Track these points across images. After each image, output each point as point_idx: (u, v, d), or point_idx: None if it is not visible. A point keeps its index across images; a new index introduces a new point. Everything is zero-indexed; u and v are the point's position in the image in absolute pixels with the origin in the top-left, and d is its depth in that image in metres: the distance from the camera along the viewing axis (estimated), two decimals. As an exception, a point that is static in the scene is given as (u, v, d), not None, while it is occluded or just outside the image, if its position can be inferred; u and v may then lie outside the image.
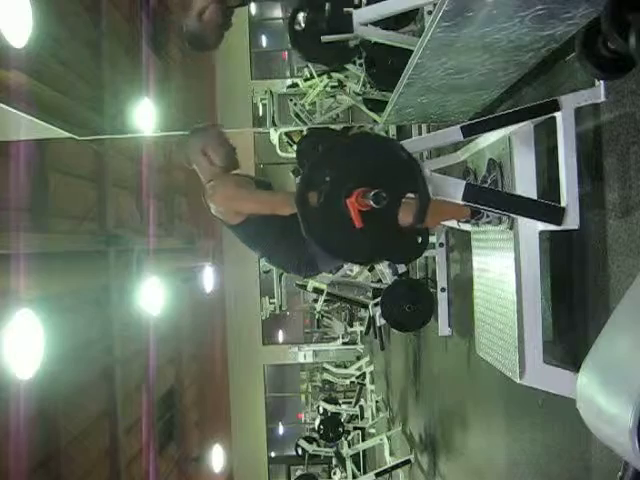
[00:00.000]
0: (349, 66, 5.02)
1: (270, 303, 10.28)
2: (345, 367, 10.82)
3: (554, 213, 1.75)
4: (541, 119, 1.85)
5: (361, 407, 8.72)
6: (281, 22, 13.61)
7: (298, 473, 7.99)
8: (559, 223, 1.75)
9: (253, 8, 11.97)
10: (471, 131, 1.83)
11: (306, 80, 6.49)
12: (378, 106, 4.90)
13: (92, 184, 6.30)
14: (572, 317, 2.09)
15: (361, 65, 4.36)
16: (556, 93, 1.91)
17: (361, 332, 9.06)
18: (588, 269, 1.96)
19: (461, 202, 1.72)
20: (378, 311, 4.66)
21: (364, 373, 9.27)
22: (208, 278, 11.18)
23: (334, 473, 7.59)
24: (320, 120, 6.84)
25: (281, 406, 15.73)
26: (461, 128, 1.81)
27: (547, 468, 2.30)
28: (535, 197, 1.94)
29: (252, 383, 12.76)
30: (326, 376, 10.71)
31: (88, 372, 5.93)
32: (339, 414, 8.54)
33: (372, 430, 8.25)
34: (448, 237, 3.88)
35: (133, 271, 6.91)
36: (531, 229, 1.91)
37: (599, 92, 1.75)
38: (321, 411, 8.80)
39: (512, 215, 1.88)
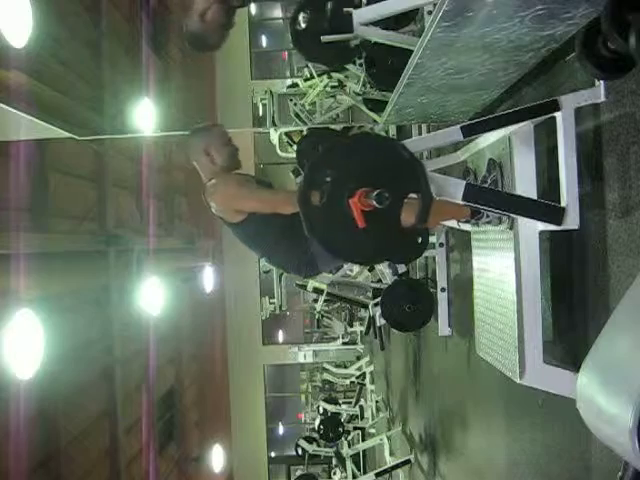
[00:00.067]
0: (349, 66, 5.02)
1: (270, 303, 10.28)
2: (345, 367, 10.82)
3: (554, 213, 1.75)
4: (541, 119, 1.85)
5: (361, 407, 8.72)
6: (281, 22, 13.62)
7: (298, 473, 7.99)
8: (559, 223, 1.75)
9: (253, 8, 11.97)
10: (471, 131, 1.83)
11: (306, 80, 6.49)
12: (378, 106, 4.90)
13: (92, 184, 6.30)
14: (572, 317, 2.09)
15: (361, 65, 4.36)
16: (556, 93, 1.91)
17: (361, 332, 9.06)
18: (588, 269, 1.96)
19: (461, 202, 1.72)
20: (378, 311, 4.66)
21: (364, 373, 9.27)
22: (208, 278, 11.18)
23: (334, 473, 7.59)
24: (320, 120, 6.84)
25: (281, 406, 15.73)
26: (461, 128, 1.81)
27: (547, 468, 2.30)
28: (535, 197, 1.94)
29: (252, 383, 12.76)
30: (326, 376, 10.71)
31: (88, 372, 5.93)
32: (339, 414, 8.54)
33: (372, 430, 8.25)
34: (448, 237, 3.88)
35: (133, 271, 6.91)
36: (531, 229, 1.91)
37: (599, 92, 1.75)
38: (321, 411, 8.80)
39: (512, 215, 1.88)
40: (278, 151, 7.61)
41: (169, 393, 9.31)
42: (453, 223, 2.58)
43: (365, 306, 5.77)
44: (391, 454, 6.43)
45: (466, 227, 2.48)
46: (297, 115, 6.84)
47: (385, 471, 6.07)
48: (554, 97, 1.77)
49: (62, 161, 5.46)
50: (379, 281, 5.19)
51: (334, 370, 10.50)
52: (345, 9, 2.42)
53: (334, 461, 8.25)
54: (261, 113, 7.51)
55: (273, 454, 13.91)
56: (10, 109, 4.03)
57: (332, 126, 6.79)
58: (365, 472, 7.77)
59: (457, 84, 2.21)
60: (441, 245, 3.90)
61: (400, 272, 4.21)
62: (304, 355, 10.20)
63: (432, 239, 3.80)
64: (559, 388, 1.84)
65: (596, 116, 1.85)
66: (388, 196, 1.43)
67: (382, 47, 3.04)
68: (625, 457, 0.97)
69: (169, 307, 8.08)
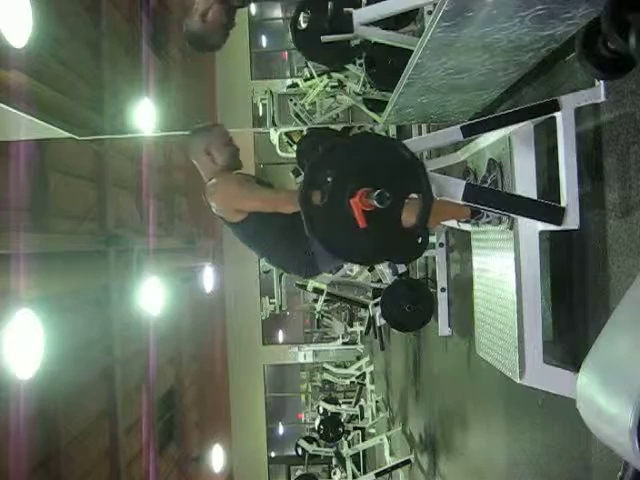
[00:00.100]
0: (349, 66, 5.02)
1: (270, 303, 10.27)
2: (345, 367, 10.82)
3: (554, 213, 1.75)
4: (541, 119, 1.85)
5: (361, 407, 8.72)
6: (281, 22, 13.62)
7: (298, 473, 7.99)
8: (559, 223, 1.75)
9: (253, 8, 11.97)
10: (471, 131, 1.83)
11: (306, 80, 6.49)
12: (378, 106, 4.90)
13: (92, 184, 6.30)
14: (572, 317, 2.09)
15: (361, 65, 4.36)
16: (556, 93, 1.91)
17: (361, 332, 9.06)
18: (588, 269, 1.96)
19: (461, 202, 1.72)
20: (378, 311, 4.66)
21: (364, 373, 9.27)
22: (208, 278, 11.18)
23: (334, 473, 7.59)
24: (320, 120, 6.84)
25: (281, 406, 15.73)
26: (461, 128, 1.81)
27: (547, 468, 2.30)
28: (535, 197, 1.94)
29: (252, 383, 12.76)
30: (326, 376, 10.71)
31: (88, 372, 5.93)
32: (339, 414, 8.54)
33: (372, 430, 8.25)
34: (448, 237, 3.88)
35: (133, 271, 6.91)
36: (531, 229, 1.91)
37: (599, 92, 1.75)
38: (321, 411, 8.80)
39: (512, 215, 1.88)
40: (278, 151, 7.61)
41: (169, 393, 9.31)
42: (453, 223, 2.57)
43: (365, 306, 5.76)
44: (391, 454, 6.43)
45: (466, 227, 2.48)
46: (297, 115, 6.84)
47: (385, 471, 6.07)
48: (554, 97, 1.77)
49: (62, 161, 5.46)
50: (379, 281, 5.19)
51: (334, 370, 10.50)
52: (345, 9, 2.42)
53: (334, 461, 8.25)
54: (261, 113, 7.51)
55: (273, 454, 13.92)
56: (10, 109, 4.03)
57: (332, 126, 6.78)
58: (365, 472, 7.77)
59: (457, 84, 2.21)
60: (441, 245, 3.89)
61: (400, 272, 4.21)
62: (304, 355, 10.20)
63: (432, 239, 3.80)
64: (559, 388, 1.84)
65: (596, 116, 1.85)
66: (389, 196, 1.43)
67: (382, 47, 3.04)
68: (625, 457, 0.97)
69: (169, 307, 8.08)
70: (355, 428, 8.35)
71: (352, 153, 1.54)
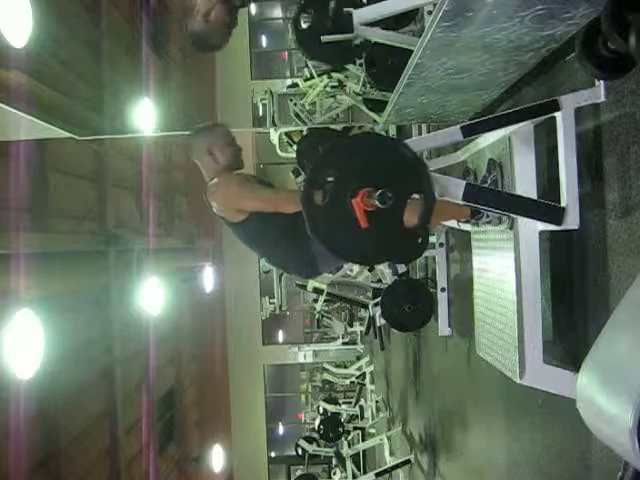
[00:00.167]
0: (349, 66, 5.03)
1: (270, 303, 10.27)
2: (345, 367, 10.82)
3: (554, 213, 1.75)
4: (541, 119, 1.85)
5: (361, 407, 8.72)
6: (281, 22, 13.62)
7: (298, 473, 7.99)
8: (559, 223, 1.75)
9: (253, 8, 11.98)
10: (471, 131, 1.83)
11: (306, 80, 6.49)
12: (378, 106, 4.90)
13: (92, 184, 6.30)
14: (572, 317, 2.09)
15: (361, 65, 4.36)
16: (556, 93, 1.91)
17: (361, 332, 9.06)
18: (588, 269, 1.96)
19: (461, 202, 1.72)
20: (378, 311, 4.66)
21: (364, 373, 9.27)
22: (208, 278, 11.18)
23: (334, 473, 7.59)
24: (320, 120, 6.84)
25: (281, 406, 15.73)
26: (461, 128, 1.81)
27: (547, 468, 2.30)
28: (535, 197, 1.94)
29: (252, 383, 12.76)
30: (326, 376, 10.71)
31: (88, 372, 5.93)
32: (339, 414, 8.54)
33: (372, 430, 8.25)
34: (448, 237, 3.88)
35: (133, 271, 6.91)
36: (531, 229, 1.91)
37: (599, 92, 1.75)
38: (321, 411, 8.80)
39: (512, 215, 1.88)
40: (278, 151, 7.61)
41: (169, 393, 9.31)
42: (453, 223, 2.57)
43: (365, 306, 5.77)
44: (391, 454, 6.43)
45: (466, 227, 2.48)
46: (297, 115, 6.84)
47: (385, 471, 6.07)
48: (554, 97, 1.77)
49: (62, 161, 5.46)
50: (379, 281, 5.20)
51: (334, 370, 10.50)
52: (345, 9, 2.42)
53: (334, 461, 8.25)
54: (261, 113, 7.51)
55: (273, 454, 13.92)
56: (10, 109, 4.03)
57: (332, 126, 6.79)
58: (365, 472, 7.77)
59: (457, 84, 2.20)
60: (441, 245, 3.89)
61: (400, 272, 4.21)
62: (304, 355, 10.20)
63: (432, 239, 3.79)
64: (559, 388, 1.84)
65: (596, 116, 1.85)
66: (391, 196, 1.43)
67: (382, 47, 3.04)
68: (625, 457, 0.97)
69: (169, 307, 8.08)
70: (355, 428, 8.35)
71: (354, 153, 1.54)
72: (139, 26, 7.65)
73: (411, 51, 1.88)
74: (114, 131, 6.53)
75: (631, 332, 1.04)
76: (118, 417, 6.50)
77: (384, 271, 4.64)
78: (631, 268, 1.67)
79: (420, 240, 3.06)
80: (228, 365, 12.50)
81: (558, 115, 1.77)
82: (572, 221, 1.75)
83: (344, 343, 10.31)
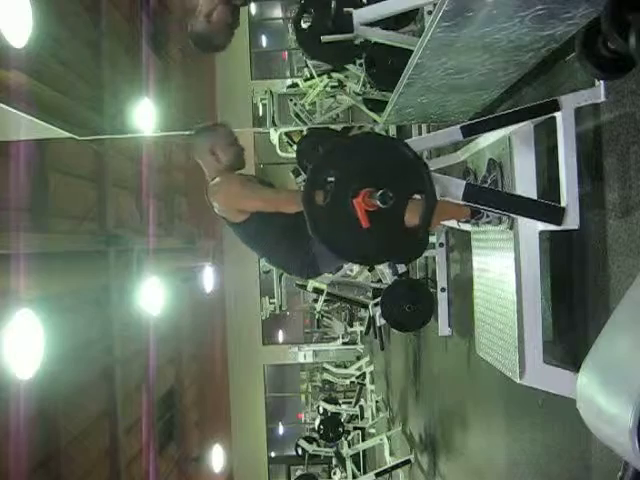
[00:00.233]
0: (349, 66, 5.02)
1: (270, 303, 10.27)
2: (345, 367, 10.82)
3: (554, 213, 1.75)
4: (541, 119, 1.85)
5: (361, 407, 8.72)
6: (281, 22, 13.62)
7: (298, 473, 7.99)
8: (559, 223, 1.75)
9: (253, 8, 11.98)
10: (471, 131, 1.83)
11: (306, 80, 6.49)
12: (378, 106, 4.90)
13: (92, 184, 6.30)
14: (572, 317, 2.09)
15: (361, 65, 4.36)
16: (556, 93, 1.91)
17: (361, 332, 9.06)
18: (588, 269, 1.96)
19: (461, 202, 1.72)
20: (378, 311, 4.66)
21: (364, 373, 9.27)
22: (208, 278, 11.18)
23: (334, 473, 7.59)
24: (320, 120, 6.84)
25: (281, 406, 15.73)
26: (461, 128, 1.81)
27: (547, 468, 2.30)
28: (535, 197, 1.94)
29: (252, 383, 12.76)
30: (326, 376, 10.71)
31: (88, 372, 5.93)
32: (339, 414, 8.53)
33: (372, 430, 8.25)
34: (448, 237, 3.88)
35: (133, 271, 6.91)
36: (531, 229, 1.91)
37: (599, 92, 1.75)
38: (321, 411, 8.80)
39: (512, 215, 1.88)
40: (278, 151, 7.62)
41: (169, 393, 9.31)
42: (453, 223, 2.57)
43: (365, 306, 5.76)
44: (391, 454, 6.43)
45: (466, 227, 2.48)
46: (297, 115, 6.84)
47: (385, 471, 6.07)
48: (554, 97, 1.77)
49: (62, 161, 5.46)
50: (379, 281, 5.19)
51: (334, 370, 10.50)
52: (345, 9, 2.42)
53: (334, 461, 8.25)
54: (261, 113, 7.51)
55: (273, 454, 13.92)
56: (10, 109, 4.03)
57: (332, 126, 6.79)
58: (365, 472, 7.77)
59: (457, 84, 2.20)
60: (441, 245, 3.89)
61: (400, 272, 4.21)
62: (304, 355, 10.20)
63: (432, 239, 3.79)
64: (559, 388, 1.84)
65: (596, 116, 1.85)
66: (392, 196, 1.43)
67: (382, 47, 3.04)
68: (625, 457, 0.97)
69: (169, 307, 8.08)
70: (355, 428, 8.35)
71: (355, 153, 1.54)
72: (139, 26, 7.65)
73: (411, 51, 1.88)
74: (114, 131, 6.53)
75: (631, 332, 1.04)
76: (118, 417, 6.50)
77: (384, 271, 4.64)
78: (631, 268, 1.67)
79: (420, 240, 3.06)
80: (228, 365, 12.50)
81: (558, 115, 1.77)
82: (572, 221, 1.75)
83: (344, 343, 10.30)
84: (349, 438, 7.87)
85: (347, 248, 1.59)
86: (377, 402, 8.23)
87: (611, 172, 1.77)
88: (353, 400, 9.42)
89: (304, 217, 1.51)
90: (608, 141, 1.78)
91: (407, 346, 5.90)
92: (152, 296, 7.34)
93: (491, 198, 1.75)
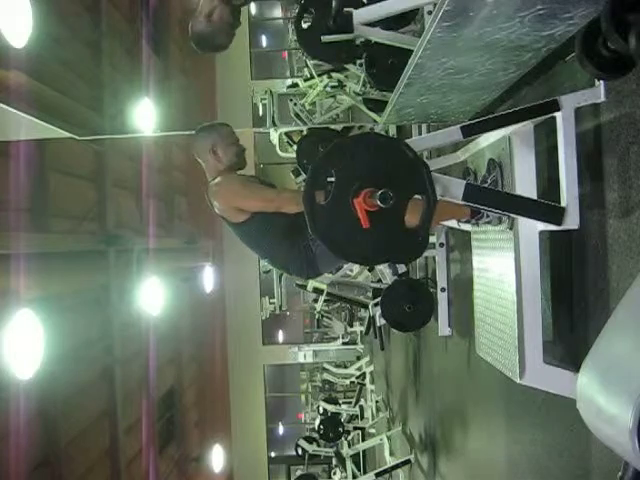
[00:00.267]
0: (349, 66, 5.02)
1: (270, 303, 10.28)
2: (345, 367, 10.82)
3: (554, 213, 1.75)
4: (541, 119, 1.85)
5: (361, 407, 8.72)
6: (281, 22, 13.62)
7: (298, 473, 7.99)
8: (559, 223, 1.75)
9: (253, 8, 11.98)
10: (471, 131, 1.83)
11: (306, 80, 6.49)
12: (378, 106, 4.90)
13: (92, 184, 6.30)
14: (572, 317, 2.09)
15: (361, 65, 4.36)
16: (556, 93, 1.91)
17: (361, 332, 9.06)
18: (588, 269, 1.96)
19: (461, 202, 1.72)
20: (378, 311, 4.66)
21: (364, 373, 9.27)
22: (208, 278, 11.18)
23: (334, 473, 7.59)
24: (320, 120, 6.85)
25: (281, 406, 15.73)
26: (461, 128, 1.81)
27: (547, 468, 2.30)
28: (535, 197, 1.94)
29: (252, 383, 12.76)
30: (326, 376, 10.72)
31: (88, 372, 5.93)
32: (339, 414, 8.54)
33: (372, 430, 8.25)
34: (448, 237, 3.88)
35: (133, 271, 6.91)
36: (531, 229, 1.91)
37: (599, 92, 1.75)
38: (321, 411, 8.80)
39: (512, 215, 1.88)
40: (278, 151, 7.61)
41: (169, 393, 9.31)
42: (453, 223, 2.57)
43: (365, 306, 5.76)
44: (391, 454, 6.43)
45: (466, 227, 2.48)
46: (297, 115, 6.84)
47: (385, 471, 6.07)
48: (554, 97, 1.77)
49: (62, 161, 5.46)
50: (379, 281, 5.19)
51: (334, 370, 10.50)
52: (345, 9, 2.42)
53: (334, 461, 8.25)
54: (261, 113, 7.51)
55: (273, 454, 13.92)
56: (10, 109, 4.03)
57: (332, 126, 6.79)
58: (365, 472, 7.77)
59: (457, 84, 2.20)
60: (441, 245, 3.89)
61: (400, 272, 4.20)
62: (304, 355, 10.21)
63: (432, 239, 3.79)
64: (559, 388, 1.83)
65: (596, 116, 1.85)
66: (392, 196, 1.43)
67: (382, 47, 3.04)
68: (625, 457, 0.97)
69: (169, 307, 8.08)
70: (355, 428, 8.35)
71: (355, 153, 1.54)
72: (139, 26, 7.65)
73: (411, 51, 1.88)
74: (114, 131, 6.54)
75: (631, 332, 1.04)
76: (118, 417, 6.49)
77: (384, 271, 4.63)
78: (631, 268, 1.67)
79: (420, 240, 3.06)
80: (228, 365, 12.50)
81: (558, 115, 1.77)
82: (572, 221, 1.75)
83: (344, 343, 10.31)
84: (349, 438, 7.87)
85: (347, 248, 1.59)
86: (377, 402, 8.23)
87: (611, 172, 1.77)
88: (353, 400, 9.42)
89: (304, 217, 1.51)
90: (608, 141, 1.78)
91: (407, 346, 5.90)
92: (152, 296, 7.34)
93: (491, 198, 1.75)
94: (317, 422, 8.03)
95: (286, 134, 7.16)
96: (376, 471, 6.14)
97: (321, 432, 7.82)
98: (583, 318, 1.99)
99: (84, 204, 6.07)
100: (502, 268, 2.06)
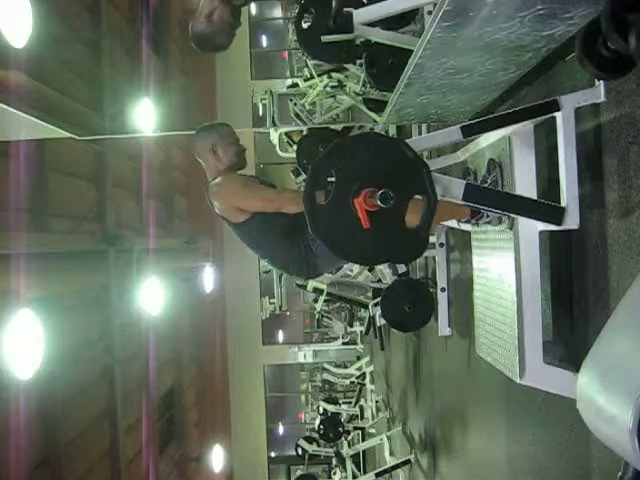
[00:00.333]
0: (349, 66, 5.02)
1: (270, 303, 10.28)
2: (345, 367, 10.82)
3: (554, 213, 1.75)
4: (541, 119, 1.85)
5: (361, 407, 8.72)
6: (281, 22, 13.62)
7: (298, 473, 7.99)
8: (559, 223, 1.75)
9: (253, 8, 11.98)
10: (471, 131, 1.83)
11: (306, 80, 6.49)
12: (378, 106, 4.90)
13: (92, 184, 6.30)
14: (572, 317, 2.09)
15: (361, 65, 4.36)
16: (556, 93, 1.91)
17: (361, 332, 9.06)
18: (588, 269, 1.96)
19: (461, 202, 1.72)
20: (378, 311, 4.66)
21: (364, 373, 9.27)
22: (208, 278, 11.18)
23: (334, 473, 7.59)
24: (320, 120, 6.85)
25: (281, 406, 15.73)
26: (461, 128, 1.81)
27: (547, 468, 2.30)
28: (535, 197, 1.94)
29: (252, 383, 12.76)
30: (326, 376, 10.72)
31: (88, 372, 5.93)
32: (339, 414, 8.54)
33: (372, 430, 8.25)
34: (448, 237, 3.88)
35: (133, 271, 6.91)
36: (531, 229, 1.91)
37: (599, 92, 1.75)
38: (321, 411, 8.80)
39: (512, 215, 1.88)
40: (278, 151, 7.62)
41: (169, 393, 9.31)
42: (453, 223, 2.57)
43: (365, 306, 5.76)
44: (391, 454, 6.43)
45: (466, 227, 2.48)
46: (297, 115, 6.84)
47: (385, 471, 6.07)
48: (554, 97, 1.77)
49: (62, 161, 5.46)
50: (379, 281, 5.19)
51: (334, 370, 10.51)
52: (345, 9, 2.42)
53: (334, 461, 8.25)
54: (261, 113, 7.51)
55: (273, 454, 13.91)
56: (10, 109, 4.03)
57: (332, 126, 6.79)
58: (365, 472, 7.77)
59: (457, 84, 2.20)
60: (441, 245, 3.89)
61: (400, 272, 4.20)
62: (304, 355, 10.21)
63: (432, 239, 3.79)
64: (559, 388, 1.83)
65: (596, 116, 1.85)
66: (393, 196, 1.43)
67: (382, 47, 3.04)
68: (625, 457, 0.97)
69: (169, 307, 8.08)
70: (355, 428, 8.35)
71: (355, 153, 1.54)
72: (139, 26, 7.65)
73: (411, 51, 1.88)
74: (114, 131, 6.54)
75: (631, 332, 1.03)
76: (118, 417, 6.50)
77: (384, 271, 4.63)
78: (631, 268, 1.67)
79: (421, 240, 3.06)
80: (228, 365, 12.50)
81: (558, 115, 1.77)
82: (572, 221, 1.75)
83: (344, 343, 10.31)
84: (349, 438, 7.87)
85: (347, 248, 1.58)
86: (377, 402, 8.23)
87: (611, 172, 1.78)
88: (353, 400, 9.42)
89: (304, 217, 1.51)
90: (608, 141, 1.78)
91: (407, 346, 5.90)
92: (152, 296, 7.34)
93: (491, 198, 1.75)
94: (317, 422, 8.03)
95: (286, 134, 7.17)
96: (376, 471, 6.14)
97: (321, 432, 7.82)
98: (583, 318, 1.99)
99: (84, 204, 6.07)
100: (502, 268, 2.06)
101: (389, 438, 6.62)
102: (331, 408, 8.68)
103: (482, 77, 2.13)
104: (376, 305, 4.90)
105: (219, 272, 11.72)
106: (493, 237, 2.17)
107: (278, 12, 13.69)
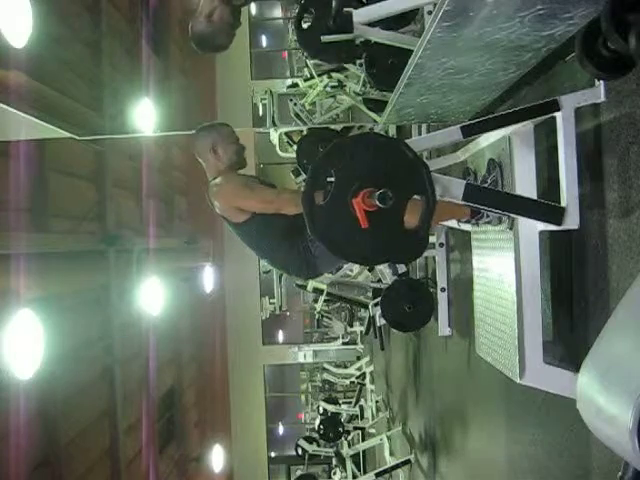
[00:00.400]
0: (349, 66, 5.02)
1: (270, 303, 10.28)
2: (345, 367, 10.82)
3: (554, 213, 1.75)
4: (541, 119, 1.85)
5: (361, 407, 8.72)
6: (281, 22, 13.62)
7: (298, 473, 8.00)
8: (559, 223, 1.75)
9: (253, 8, 11.98)
10: (471, 131, 1.83)
11: (306, 80, 6.49)
12: (378, 106, 4.90)
13: (92, 184, 6.30)
14: (572, 317, 2.09)
15: (361, 65, 4.36)
16: (556, 93, 1.91)
17: (361, 332, 9.06)
18: (588, 269, 1.96)
19: (461, 202, 1.72)
20: (378, 311, 4.66)
21: (364, 373, 9.27)
22: (208, 278, 11.18)
23: (334, 473, 7.59)
24: (320, 120, 6.85)
25: (281, 406, 15.73)
26: (461, 128, 1.81)
27: (547, 468, 2.30)
28: (535, 197, 1.94)
29: (252, 383, 12.76)
30: (326, 376, 10.72)
31: (88, 372, 5.93)
32: (339, 414, 8.54)
33: (372, 430, 8.25)
34: (448, 237, 3.88)
35: (133, 271, 6.91)
36: (531, 229, 1.91)
37: (599, 92, 1.75)
38: (321, 411, 8.80)
39: (512, 215, 1.88)
40: (278, 151, 7.62)
41: (169, 393, 9.31)
42: (453, 223, 2.57)
43: (365, 306, 5.76)
44: (391, 454, 6.43)
45: (466, 227, 2.48)
46: (297, 115, 6.84)
47: (385, 471, 6.07)
48: (554, 97, 1.77)
49: (62, 161, 5.45)
50: (379, 281, 5.19)
51: (334, 370, 10.51)
52: (345, 9, 2.42)
53: (334, 461, 8.25)
54: (261, 113, 7.52)
55: (273, 454, 13.92)
56: (10, 109, 4.03)
57: (332, 126, 6.79)
58: (365, 472, 7.77)
59: (457, 84, 2.20)
60: (441, 245, 3.89)
61: (400, 272, 4.20)
62: (304, 355, 10.22)
63: (432, 239, 3.79)
64: (559, 388, 1.83)
65: (596, 116, 1.85)
66: (391, 196, 1.43)
67: (382, 47, 3.03)
68: (625, 457, 0.97)
69: (169, 307, 8.08)
70: (355, 428, 8.35)
71: (355, 153, 1.54)
72: (139, 26, 7.65)
73: (411, 51, 1.88)
74: (114, 131, 6.54)
75: (631, 332, 1.03)
76: (118, 417, 6.49)
77: (384, 271, 4.63)
78: (631, 268, 1.67)
79: (420, 240, 3.06)
80: (228, 365, 12.50)
81: (558, 115, 1.77)
82: (572, 221, 1.75)
83: (344, 343, 10.31)
84: (349, 438, 7.87)
85: (346, 248, 1.58)
86: (377, 402, 8.23)
87: (611, 172, 1.77)
88: (353, 400, 9.43)
89: (304, 218, 1.51)
90: (608, 141, 1.78)
91: (407, 346, 5.90)
92: (152, 296, 7.34)
93: (491, 198, 1.75)
94: (317, 422, 8.03)
95: (286, 134, 7.17)
96: (376, 471, 6.14)
97: (321, 432, 7.82)
98: (583, 318, 1.99)
99: (84, 204, 6.07)
100: (502, 268, 2.06)
101: (389, 438, 6.62)
102: (331, 408, 8.68)
103: (482, 77, 2.13)
104: (376, 305, 4.90)
105: (219, 272, 11.72)
106: (493, 237, 2.17)
107: (278, 12, 13.69)
